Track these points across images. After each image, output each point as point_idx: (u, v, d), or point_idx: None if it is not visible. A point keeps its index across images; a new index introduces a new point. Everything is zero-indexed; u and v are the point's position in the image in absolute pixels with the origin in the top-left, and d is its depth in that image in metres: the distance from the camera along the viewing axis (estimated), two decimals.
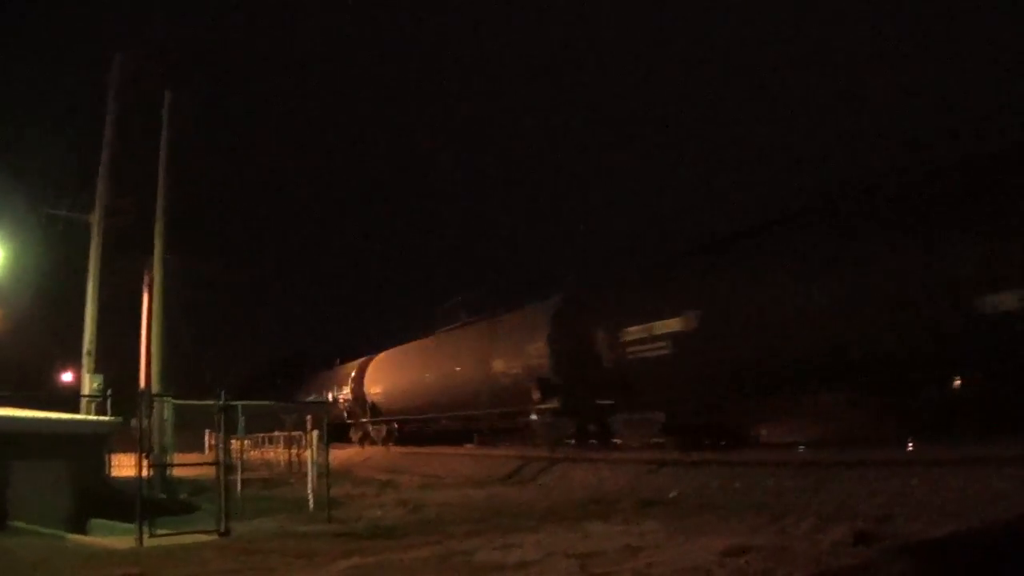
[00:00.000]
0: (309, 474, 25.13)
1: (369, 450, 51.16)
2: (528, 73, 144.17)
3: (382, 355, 53.93)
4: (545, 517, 18.48)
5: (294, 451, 40.14)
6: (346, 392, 56.44)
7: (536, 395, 32.24)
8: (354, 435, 55.84)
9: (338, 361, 65.83)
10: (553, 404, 31.75)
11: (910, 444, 19.13)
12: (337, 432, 53.47)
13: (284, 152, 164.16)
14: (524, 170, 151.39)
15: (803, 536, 13.74)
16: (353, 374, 55.89)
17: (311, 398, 59.79)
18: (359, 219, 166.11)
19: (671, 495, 20.27)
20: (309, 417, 31.40)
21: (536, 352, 32.69)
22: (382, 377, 51.66)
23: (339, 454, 42.68)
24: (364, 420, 54.22)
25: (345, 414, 55.82)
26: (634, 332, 26.98)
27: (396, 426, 50.51)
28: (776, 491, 18.00)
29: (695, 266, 26.87)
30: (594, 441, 31.44)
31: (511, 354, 34.66)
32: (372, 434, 53.61)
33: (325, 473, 22.57)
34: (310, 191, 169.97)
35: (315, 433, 28.02)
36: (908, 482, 15.64)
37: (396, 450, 47.80)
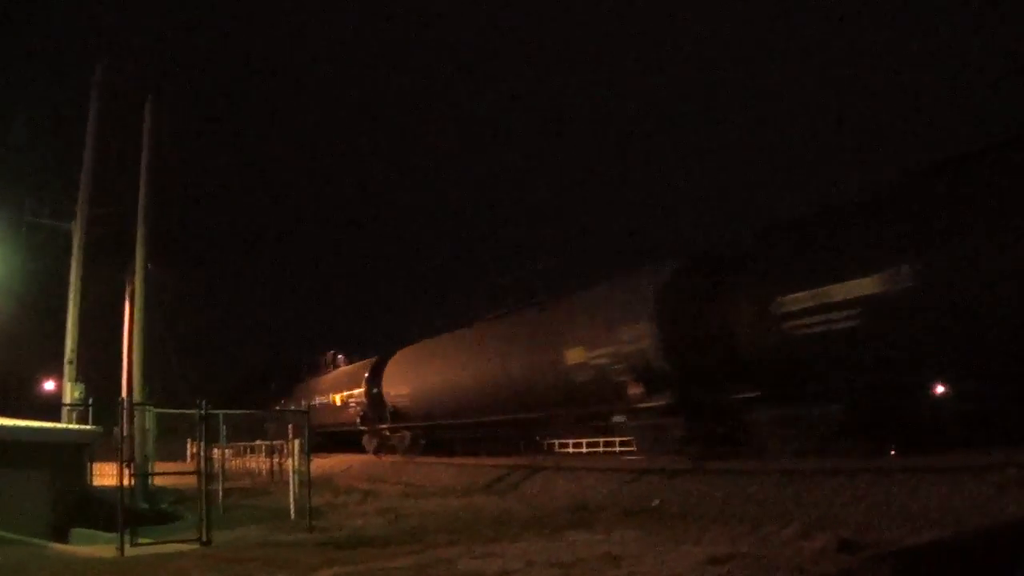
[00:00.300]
0: (291, 483, 25.06)
1: (350, 459, 49.54)
2: (525, 70, 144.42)
3: (405, 351, 46.23)
4: (527, 526, 18.49)
5: (276, 460, 40.04)
6: (358, 394, 50.00)
7: (636, 390, 25.71)
8: (368, 443, 49.77)
9: (343, 360, 60.92)
10: (661, 400, 24.96)
11: (892, 451, 19.15)
12: (344, 440, 53.39)
13: (274, 150, 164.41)
14: (519, 172, 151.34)
15: (785, 544, 13.76)
16: (367, 374, 49.06)
17: (314, 401, 57.00)
18: (354, 217, 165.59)
19: (653, 504, 20.27)
20: (291, 425, 31.31)
21: (635, 335, 25.73)
22: (406, 376, 44.13)
23: (322, 463, 42.71)
24: (382, 426, 47.14)
25: (357, 420, 49.74)
26: (803, 299, 20.29)
27: (421, 432, 43.79)
28: (758, 499, 18.02)
29: (919, 201, 18.87)
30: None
31: (594, 340, 27.56)
32: (394, 442, 46.31)
33: (307, 482, 22.54)
34: (302, 191, 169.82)
35: (296, 442, 27.92)
36: (890, 490, 15.64)
37: (384, 459, 46.15)
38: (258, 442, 45.90)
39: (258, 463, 44.29)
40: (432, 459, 40.06)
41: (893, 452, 19.11)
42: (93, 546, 18.61)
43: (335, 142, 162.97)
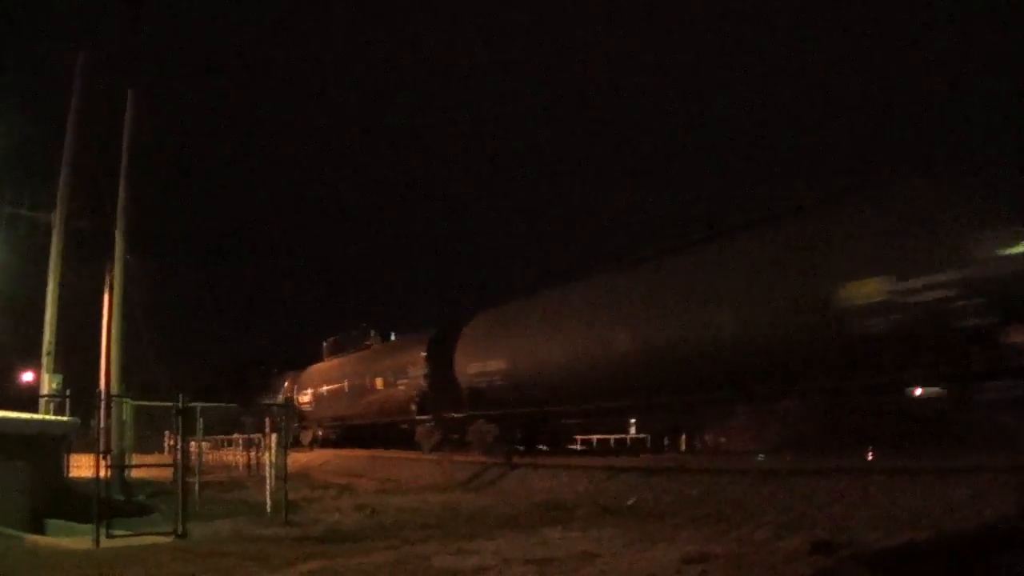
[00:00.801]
0: (267, 477, 25.02)
1: (328, 453, 47.84)
2: (519, 67, 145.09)
3: (493, 313, 36.00)
4: (503, 523, 18.52)
5: (252, 453, 39.81)
6: (414, 375, 39.99)
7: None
8: (425, 438, 39.29)
9: (371, 336, 51.94)
10: None
11: (869, 453, 19.18)
12: (369, 436, 47.73)
13: (262, 143, 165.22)
14: (501, 172, 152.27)
15: (761, 544, 13.80)
16: (424, 352, 39.35)
17: (336, 387, 51.34)
18: (346, 210, 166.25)
19: (629, 502, 20.30)
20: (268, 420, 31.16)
21: None
22: (494, 348, 33.62)
23: (298, 457, 42.49)
24: (457, 415, 35.77)
25: (413, 407, 39.74)
26: None
27: (515, 421, 33.19)
28: (734, 499, 18.05)
29: None
30: None
31: (909, 263, 17.86)
32: (470, 436, 34.89)
33: (283, 476, 22.52)
34: (292, 182, 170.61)
35: (274, 436, 27.85)
36: (866, 491, 15.69)
37: (360, 454, 43.96)
38: (235, 435, 45.23)
39: (235, 457, 44.01)
40: (413, 455, 38.51)
41: (870, 453, 19.15)
42: (69, 538, 18.58)
43: (325, 135, 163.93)
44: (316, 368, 58.20)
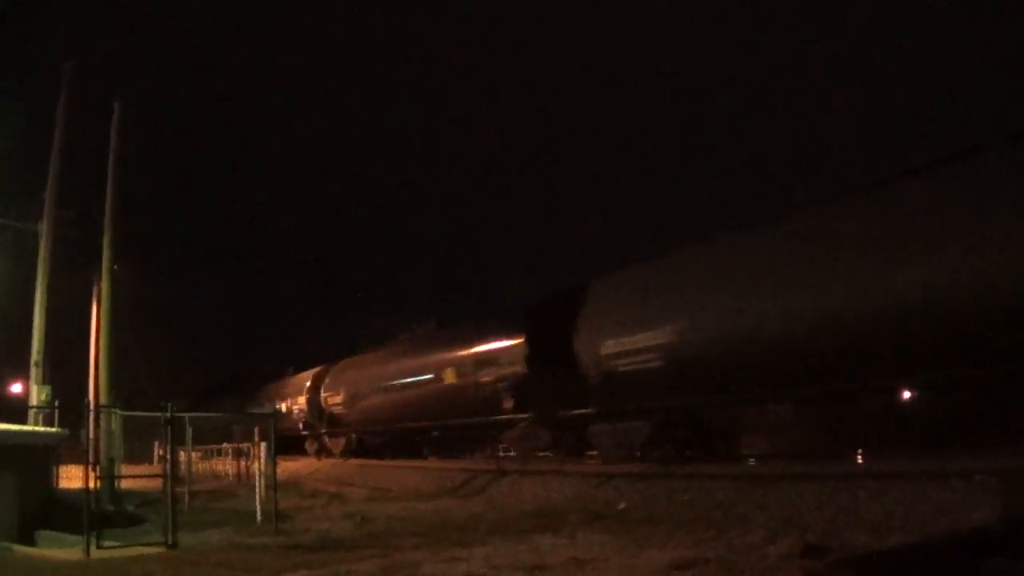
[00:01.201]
0: (257, 486, 24.97)
1: (318, 462, 47.33)
2: (514, 69, 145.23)
3: (625, 274, 27.35)
4: (493, 530, 18.47)
5: (242, 462, 39.66)
6: (508, 361, 30.71)
7: None
8: (524, 442, 30.36)
9: (421, 326, 43.82)
10: None
11: (859, 457, 19.18)
12: (401, 445, 42.41)
13: (251, 152, 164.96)
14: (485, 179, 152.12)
15: (750, 549, 13.80)
16: (521, 330, 30.14)
17: (387, 382, 41.02)
18: (345, 213, 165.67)
19: (619, 508, 20.26)
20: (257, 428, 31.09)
21: None
22: (645, 316, 24.32)
23: (288, 466, 42.34)
24: (582, 412, 27.02)
25: (507, 403, 30.34)
26: None
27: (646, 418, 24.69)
28: (724, 504, 18.02)
29: None
30: None
31: None
32: (602, 439, 26.61)
33: (273, 485, 22.49)
34: (282, 192, 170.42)
35: (263, 444, 27.80)
36: (856, 495, 15.68)
37: (351, 461, 43.39)
38: (224, 445, 44.69)
39: (225, 466, 43.84)
40: (407, 463, 37.68)
41: (860, 457, 19.15)
42: (59, 548, 18.56)
43: (325, 135, 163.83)
44: (351, 362, 49.02)
